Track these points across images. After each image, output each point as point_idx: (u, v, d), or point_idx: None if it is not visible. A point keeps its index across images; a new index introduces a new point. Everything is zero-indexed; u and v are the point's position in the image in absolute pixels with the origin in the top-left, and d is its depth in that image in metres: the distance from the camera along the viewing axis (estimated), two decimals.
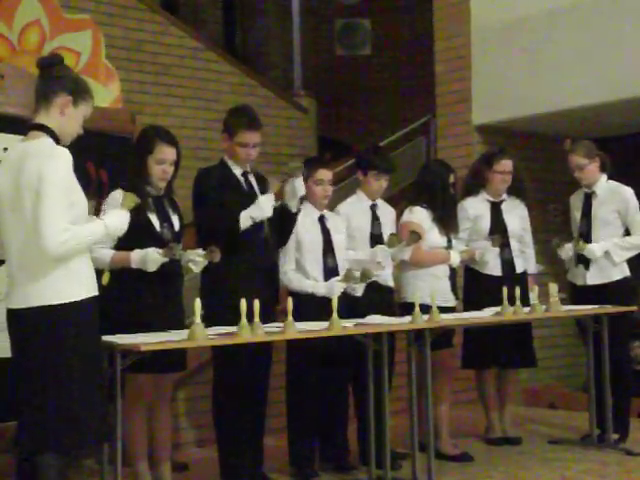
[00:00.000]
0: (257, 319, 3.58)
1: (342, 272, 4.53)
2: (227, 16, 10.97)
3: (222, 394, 4.28)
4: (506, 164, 5.24)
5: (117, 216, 3.40)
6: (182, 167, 4.07)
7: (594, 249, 5.13)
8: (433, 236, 4.94)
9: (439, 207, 4.97)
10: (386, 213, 4.96)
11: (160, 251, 3.76)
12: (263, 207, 4.21)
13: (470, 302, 5.19)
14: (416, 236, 4.70)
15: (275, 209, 4.28)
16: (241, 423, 4.27)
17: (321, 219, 4.62)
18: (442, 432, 4.91)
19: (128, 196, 3.60)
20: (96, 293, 3.23)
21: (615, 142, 6.59)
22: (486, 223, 5.25)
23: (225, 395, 4.26)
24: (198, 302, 3.43)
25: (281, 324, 3.81)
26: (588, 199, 5.26)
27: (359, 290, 4.62)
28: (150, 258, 3.76)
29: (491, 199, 5.31)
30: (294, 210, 4.33)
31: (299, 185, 4.31)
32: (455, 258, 4.99)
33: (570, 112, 6.66)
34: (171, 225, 3.96)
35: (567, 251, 5.23)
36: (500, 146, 5.62)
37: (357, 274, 4.42)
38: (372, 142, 6.64)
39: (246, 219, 4.19)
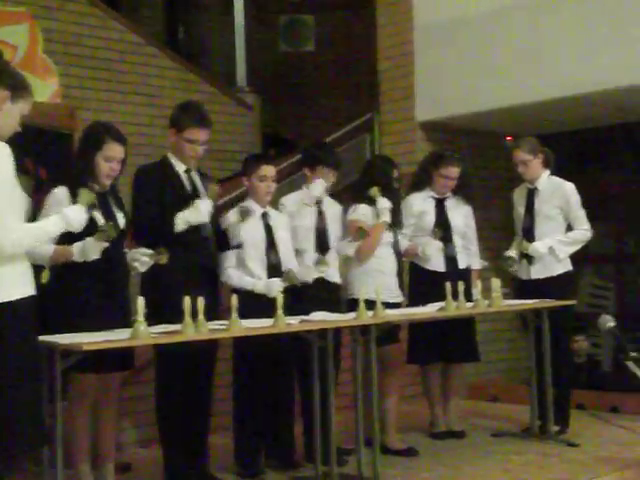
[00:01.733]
0: (201, 316, 3.55)
1: (285, 268, 4.53)
2: (169, 11, 10.85)
3: (165, 393, 4.23)
4: (452, 171, 5.27)
5: (75, 212, 3.35)
6: None
7: (538, 247, 5.20)
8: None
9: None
10: (331, 209, 4.95)
11: (94, 236, 3.70)
12: (200, 212, 4.19)
13: (415, 298, 5.21)
14: (364, 233, 4.72)
15: (214, 216, 4.30)
16: (185, 422, 4.23)
17: (264, 216, 4.60)
18: (388, 427, 4.93)
19: (84, 193, 3.55)
20: (33, 293, 3.16)
21: (556, 139, 6.68)
22: (430, 219, 5.29)
23: (168, 394, 4.21)
24: (141, 300, 3.39)
25: (226, 322, 3.78)
26: (531, 195, 5.33)
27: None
28: (89, 246, 3.69)
29: (436, 196, 5.35)
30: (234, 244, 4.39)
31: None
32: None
33: (512, 109, 6.74)
34: (116, 222, 3.90)
35: (515, 262, 5.29)
36: (451, 148, 5.65)
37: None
38: (317, 138, 6.63)
39: (182, 222, 4.16)
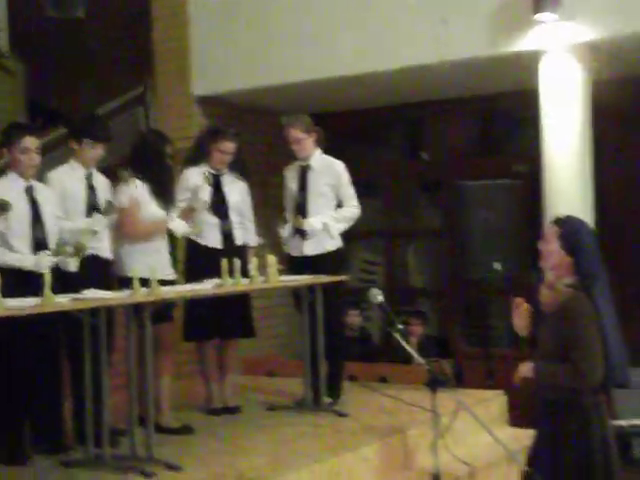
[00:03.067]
0: None
1: (53, 244, 4.33)
2: None
3: None
4: (228, 146, 5.27)
5: None
6: None
7: (313, 223, 5.32)
8: (152, 210, 4.85)
9: (156, 179, 4.88)
10: (101, 182, 4.78)
11: None
12: None
13: (191, 275, 5.17)
14: (127, 175, 4.64)
15: None
16: None
17: (28, 190, 4.36)
18: (163, 406, 4.87)
19: None
20: None
21: (328, 118, 6.84)
22: (206, 194, 5.25)
23: None
24: None
25: None
26: (304, 172, 5.43)
27: (72, 265, 4.41)
28: None
29: (212, 171, 5.32)
30: None
31: None
32: (177, 227, 4.95)
33: (289, 87, 6.83)
34: None
35: (287, 231, 5.38)
36: (227, 122, 5.63)
37: (70, 248, 4.24)
38: (87, 110, 6.38)
39: None
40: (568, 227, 3.54)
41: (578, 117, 5.92)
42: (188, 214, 5.12)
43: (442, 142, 8.05)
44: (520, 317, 3.66)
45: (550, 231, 3.55)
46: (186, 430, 4.84)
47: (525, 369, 3.55)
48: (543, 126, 6.00)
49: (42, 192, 4.43)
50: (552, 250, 3.51)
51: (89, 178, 4.70)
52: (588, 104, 5.98)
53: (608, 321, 3.45)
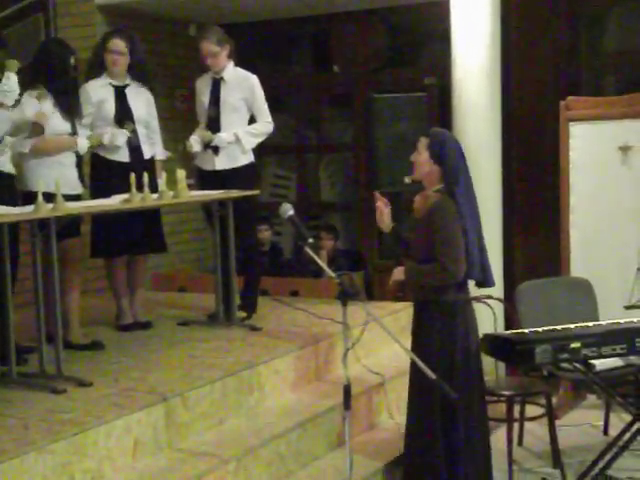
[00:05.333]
0: None
1: None
2: None
3: None
4: (116, 43, 5.08)
5: None
6: None
7: (224, 137, 5.24)
8: (56, 122, 4.68)
9: (60, 91, 4.70)
10: None
11: None
12: None
13: (98, 190, 5.05)
14: (39, 128, 4.44)
15: None
16: None
17: None
18: (71, 322, 4.80)
19: None
20: None
21: (238, 29, 6.69)
22: (110, 108, 5.11)
23: None
24: None
25: None
26: (217, 85, 5.31)
27: None
28: None
29: (114, 83, 5.15)
30: None
31: None
32: (82, 144, 4.80)
33: None
34: None
35: (195, 143, 5.28)
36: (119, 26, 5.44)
37: None
38: None
39: None
40: (435, 138, 3.82)
41: (487, 29, 5.93)
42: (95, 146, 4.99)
43: (351, 55, 7.97)
44: (381, 212, 3.95)
45: (420, 143, 3.84)
46: (96, 346, 4.79)
47: (397, 273, 3.88)
48: (453, 38, 5.99)
49: None
50: (422, 160, 3.82)
51: None
52: (497, 15, 5.98)
53: (470, 223, 3.75)
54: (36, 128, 4.46)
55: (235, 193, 5.13)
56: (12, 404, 3.82)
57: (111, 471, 3.57)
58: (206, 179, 5.35)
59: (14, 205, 4.29)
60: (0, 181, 4.45)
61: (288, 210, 3.64)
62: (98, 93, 5.09)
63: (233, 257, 5.22)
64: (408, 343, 3.80)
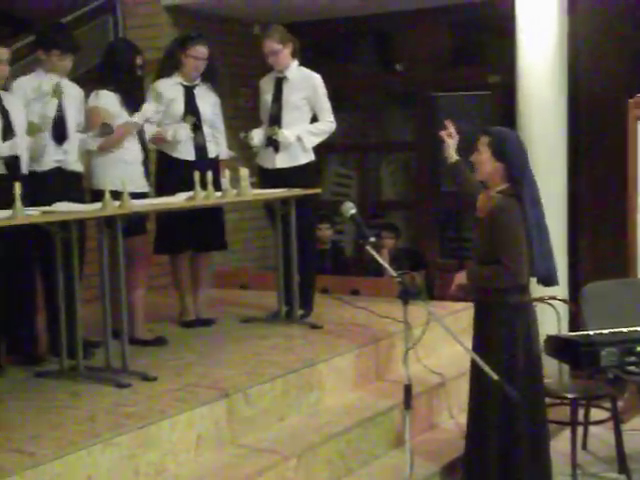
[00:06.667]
0: None
1: (23, 155, 4.27)
2: None
3: None
4: (200, 50, 5.15)
5: None
6: None
7: (287, 134, 5.26)
8: (122, 121, 4.76)
9: (126, 90, 4.79)
10: (72, 93, 4.68)
11: None
12: None
13: (163, 188, 5.12)
14: (108, 129, 4.53)
15: None
16: None
17: None
18: (137, 318, 4.88)
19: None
20: None
21: (301, 28, 6.71)
22: (179, 106, 5.18)
23: None
24: None
25: None
26: (279, 84, 5.34)
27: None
28: None
29: (184, 83, 5.22)
30: None
31: None
32: (137, 118, 4.81)
33: None
34: None
35: (256, 137, 5.32)
36: (197, 30, 5.50)
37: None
38: (53, 18, 6.19)
39: None
40: (496, 135, 3.75)
41: (554, 25, 5.84)
42: (160, 140, 5.06)
43: (415, 53, 7.94)
44: (447, 137, 4.00)
45: (480, 142, 3.76)
46: (160, 342, 4.87)
47: (459, 277, 3.84)
48: (518, 35, 5.92)
49: (12, 102, 4.33)
50: (484, 159, 3.74)
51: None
52: (564, 10, 5.90)
53: (534, 223, 3.69)
54: (105, 128, 4.54)
55: (297, 191, 5.15)
56: (79, 397, 3.91)
57: (174, 465, 3.63)
58: (267, 177, 5.39)
59: (81, 202, 4.39)
60: (68, 179, 4.56)
61: (350, 209, 3.64)
62: (169, 92, 5.17)
63: (295, 255, 5.25)
64: (468, 344, 3.77)
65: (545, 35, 5.83)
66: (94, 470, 3.29)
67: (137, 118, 4.76)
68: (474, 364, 3.65)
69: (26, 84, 4.51)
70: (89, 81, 5.00)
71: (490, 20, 7.25)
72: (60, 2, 8.79)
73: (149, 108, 4.84)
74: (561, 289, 4.30)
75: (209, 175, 4.58)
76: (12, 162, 4.22)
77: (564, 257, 5.85)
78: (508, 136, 3.79)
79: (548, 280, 3.81)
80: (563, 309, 5.09)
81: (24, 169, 4.33)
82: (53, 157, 4.49)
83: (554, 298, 4.78)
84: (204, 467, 3.68)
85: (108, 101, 4.71)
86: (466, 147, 4.00)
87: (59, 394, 3.94)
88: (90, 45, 6.25)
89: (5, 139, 4.21)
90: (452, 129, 4.02)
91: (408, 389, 3.42)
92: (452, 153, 4.01)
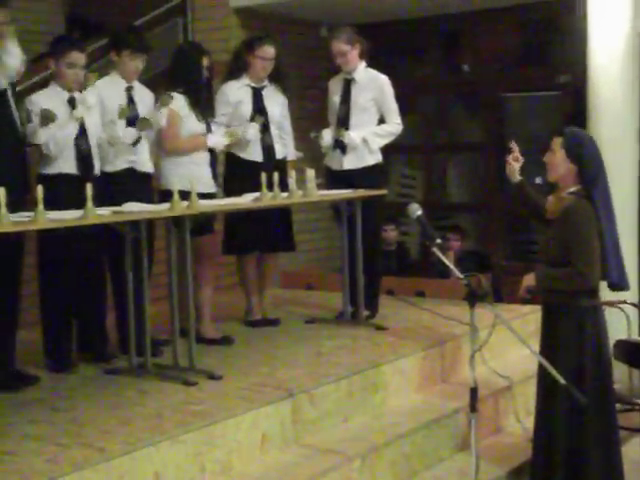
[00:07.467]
0: (3, 210, 3.37)
1: (96, 156, 4.39)
2: None
3: None
4: (268, 50, 5.19)
5: None
6: None
7: (353, 137, 5.27)
8: (191, 123, 4.84)
9: (195, 92, 4.85)
10: (143, 96, 4.76)
11: None
12: None
13: (230, 188, 5.18)
14: (168, 98, 4.62)
15: None
16: None
17: (71, 101, 4.37)
18: (203, 317, 4.94)
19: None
20: None
21: (372, 29, 6.71)
22: (247, 108, 5.22)
23: None
24: None
25: (31, 213, 3.60)
26: (347, 85, 5.35)
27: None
28: None
29: (252, 84, 5.27)
30: None
31: None
32: (218, 142, 4.92)
33: None
34: None
35: (326, 137, 5.34)
36: (264, 31, 5.54)
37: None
38: (126, 21, 6.32)
39: None
40: (572, 137, 3.69)
41: (626, 27, 5.74)
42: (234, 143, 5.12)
43: (482, 54, 7.87)
44: (512, 161, 3.92)
45: (555, 143, 3.70)
46: (226, 341, 4.92)
47: (528, 279, 3.76)
48: (589, 35, 5.82)
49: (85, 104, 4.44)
50: (558, 160, 3.68)
51: (129, 90, 4.69)
52: (638, 8, 5.78)
53: (606, 226, 3.63)
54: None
55: (363, 192, 5.15)
56: (147, 394, 3.98)
57: (240, 463, 3.67)
58: (334, 178, 5.40)
59: (150, 202, 4.46)
60: (139, 179, 4.65)
61: (416, 210, 3.63)
62: (236, 94, 5.22)
63: (360, 256, 5.25)
64: (536, 347, 3.72)
65: (616, 35, 5.72)
66: (161, 467, 3.34)
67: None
68: (541, 367, 3.60)
69: (100, 87, 4.61)
70: (160, 84, 5.08)
71: (558, 19, 7.15)
72: (132, 6, 8.95)
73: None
74: (631, 293, 4.22)
75: (275, 176, 4.61)
76: (86, 163, 4.34)
77: (635, 260, 5.73)
78: (584, 138, 3.74)
79: (620, 284, 3.74)
80: (633, 313, 5.00)
81: (97, 170, 4.44)
82: (126, 157, 4.59)
83: (624, 302, 4.70)
84: (269, 466, 3.71)
85: (177, 103, 4.78)
86: (535, 148, 3.94)
87: (128, 391, 4.02)
88: (160, 48, 6.36)
89: (79, 141, 4.34)
90: (517, 152, 3.95)
91: (474, 392, 3.40)
92: (515, 174, 3.95)
